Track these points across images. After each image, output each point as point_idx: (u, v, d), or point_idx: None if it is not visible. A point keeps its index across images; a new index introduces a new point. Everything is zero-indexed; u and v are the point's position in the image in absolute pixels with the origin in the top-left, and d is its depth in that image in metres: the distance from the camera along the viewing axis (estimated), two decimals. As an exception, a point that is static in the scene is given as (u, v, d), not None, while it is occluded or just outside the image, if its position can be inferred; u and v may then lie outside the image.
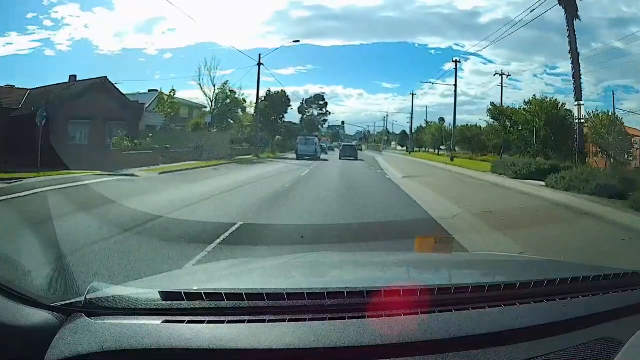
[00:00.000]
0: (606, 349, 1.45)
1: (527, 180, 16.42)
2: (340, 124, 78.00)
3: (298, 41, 41.90)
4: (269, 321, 1.42)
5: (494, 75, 41.18)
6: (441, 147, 51.34)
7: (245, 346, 1.33)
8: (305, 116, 64.53)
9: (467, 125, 43.52)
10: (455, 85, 38.90)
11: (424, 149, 61.19)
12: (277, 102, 48.91)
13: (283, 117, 51.14)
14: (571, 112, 25.98)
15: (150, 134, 26.37)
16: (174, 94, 32.07)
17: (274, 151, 45.21)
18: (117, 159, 20.05)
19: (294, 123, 59.32)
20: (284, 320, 1.43)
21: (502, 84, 39.97)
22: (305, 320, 1.44)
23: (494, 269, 2.55)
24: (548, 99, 27.06)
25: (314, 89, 77.10)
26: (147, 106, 30.67)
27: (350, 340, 1.35)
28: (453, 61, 39.32)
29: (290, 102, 51.32)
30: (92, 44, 67.68)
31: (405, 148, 67.74)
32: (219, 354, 1.32)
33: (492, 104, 33.00)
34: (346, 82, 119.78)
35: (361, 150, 60.99)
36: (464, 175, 21.25)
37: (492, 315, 1.55)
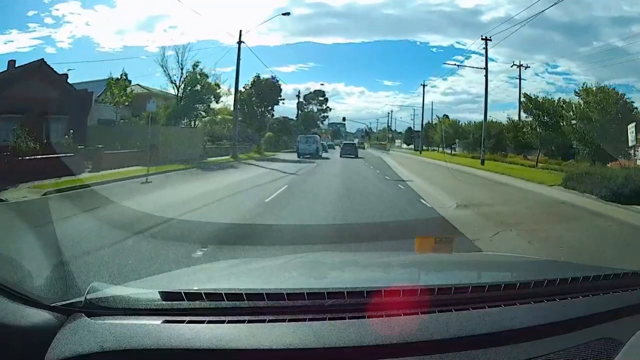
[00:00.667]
0: (606, 349, 1.45)
1: (635, 207, 10.89)
2: (341, 120, 73.40)
3: (288, 13, 38.87)
4: (269, 321, 1.43)
5: (511, 66, 37.93)
6: (452, 145, 47.09)
7: (245, 346, 1.33)
8: (302, 111, 58.60)
9: (491, 121, 38.32)
10: (486, 68, 31.63)
11: (432, 147, 55.72)
12: (265, 90, 40.74)
13: (272, 109, 42.94)
14: (634, 104, 21.76)
15: (72, 130, 19.59)
16: (126, 79, 25.30)
17: (260, 150, 37.85)
18: (29, 166, 13.64)
19: (290, 118, 53.89)
20: (284, 320, 1.43)
21: (519, 76, 36.44)
22: (305, 320, 1.44)
23: (494, 269, 2.55)
24: (604, 87, 22.68)
25: (315, 87, 75.32)
26: (98, 95, 25.42)
27: (350, 340, 1.35)
28: (482, 39, 31.77)
29: (281, 90, 42.44)
30: (94, 42, 67.36)
31: (412, 146, 63.04)
32: (219, 354, 1.32)
33: (526, 95, 28.69)
34: (347, 80, 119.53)
35: (364, 148, 57.70)
36: (545, 199, 13.71)
37: (492, 315, 1.55)
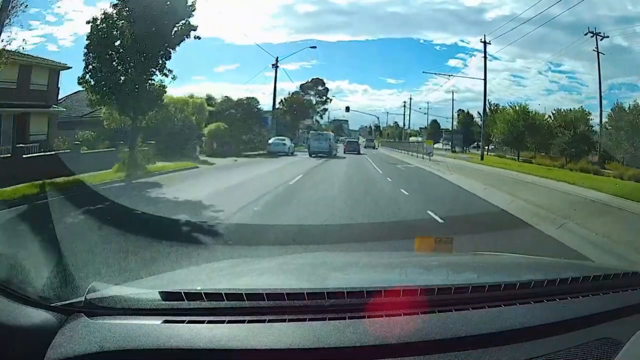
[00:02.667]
0: (606, 349, 1.45)
1: None
2: (344, 112, 61.78)
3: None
4: (269, 321, 1.43)
5: (584, 34, 29.50)
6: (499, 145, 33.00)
7: (245, 346, 1.33)
8: (292, 95, 47.93)
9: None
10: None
11: (466, 147, 39.40)
12: (155, 17, 13.89)
13: (169, 56, 14.77)
14: None
15: None
16: None
17: (135, 161, 15.28)
18: None
19: (276, 109, 42.28)
20: (284, 320, 1.43)
21: (597, 48, 28.38)
22: (305, 320, 1.44)
23: (494, 269, 2.55)
24: None
25: (319, 87, 72.05)
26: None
27: (350, 340, 1.35)
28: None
29: (192, 11, 14.69)
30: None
31: (440, 145, 47.43)
32: (219, 354, 1.32)
33: None
34: (351, 78, 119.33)
35: (374, 147, 51.46)
36: None
37: (492, 315, 1.55)
